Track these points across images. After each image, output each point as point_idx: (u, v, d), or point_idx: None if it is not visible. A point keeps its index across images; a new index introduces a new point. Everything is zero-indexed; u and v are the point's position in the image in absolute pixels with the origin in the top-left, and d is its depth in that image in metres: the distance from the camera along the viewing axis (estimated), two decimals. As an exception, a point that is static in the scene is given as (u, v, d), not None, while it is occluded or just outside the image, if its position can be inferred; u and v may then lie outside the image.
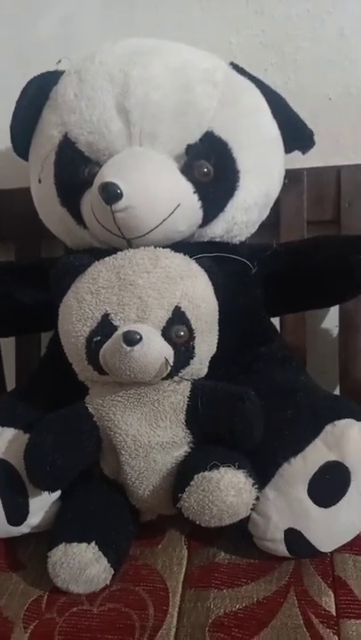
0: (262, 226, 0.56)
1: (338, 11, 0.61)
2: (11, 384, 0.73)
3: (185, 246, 0.48)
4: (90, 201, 0.48)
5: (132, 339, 0.40)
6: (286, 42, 0.61)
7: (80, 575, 0.43)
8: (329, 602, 0.42)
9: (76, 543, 0.43)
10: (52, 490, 0.45)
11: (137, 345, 0.40)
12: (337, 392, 0.65)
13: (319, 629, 0.40)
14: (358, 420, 0.42)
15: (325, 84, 0.62)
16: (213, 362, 0.46)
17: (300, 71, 0.62)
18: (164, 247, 0.47)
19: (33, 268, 0.58)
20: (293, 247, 0.55)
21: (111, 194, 0.43)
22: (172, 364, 0.42)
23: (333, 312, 0.66)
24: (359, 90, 0.62)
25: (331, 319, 0.68)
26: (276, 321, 0.62)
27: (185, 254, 0.47)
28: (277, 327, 0.62)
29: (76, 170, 0.49)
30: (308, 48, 0.62)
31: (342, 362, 0.64)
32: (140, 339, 0.40)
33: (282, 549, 0.43)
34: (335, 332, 0.66)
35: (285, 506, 0.42)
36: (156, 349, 0.41)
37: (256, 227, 0.55)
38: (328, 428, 0.41)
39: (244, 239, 0.54)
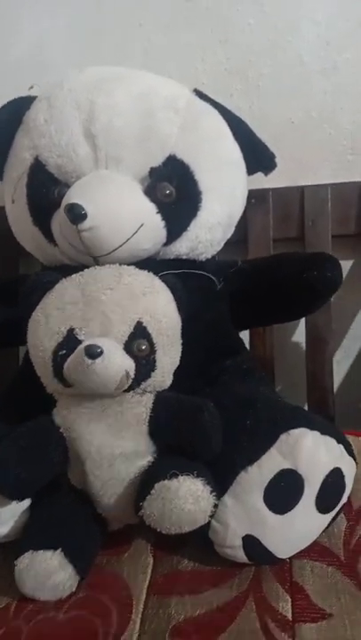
0: (230, 243, 0.59)
1: (297, 39, 0.64)
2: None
3: (151, 263, 0.50)
4: (59, 220, 0.50)
5: (93, 352, 0.42)
6: (250, 68, 0.65)
7: (46, 582, 0.44)
8: (286, 607, 0.43)
9: (42, 551, 0.44)
10: (20, 499, 0.47)
11: (98, 358, 0.41)
12: (306, 405, 0.67)
13: (275, 634, 0.41)
14: (312, 429, 0.43)
15: (288, 109, 0.65)
16: (179, 374, 0.48)
17: (263, 96, 0.65)
18: (129, 264, 0.49)
19: (4, 285, 0.60)
20: (257, 264, 0.57)
21: (76, 214, 0.46)
22: (132, 376, 0.44)
23: (302, 325, 0.68)
24: (320, 113, 0.65)
25: (300, 332, 0.70)
26: (245, 334, 0.64)
27: (150, 271, 0.49)
28: (246, 340, 0.64)
29: (46, 191, 0.51)
30: (271, 74, 0.65)
31: (310, 374, 0.66)
32: (102, 352, 0.42)
33: (241, 556, 0.44)
34: (304, 344, 0.69)
35: (243, 513, 0.43)
36: (116, 362, 0.43)
37: (221, 244, 0.57)
38: (283, 436, 0.43)
39: (210, 256, 0.56)
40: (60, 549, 0.44)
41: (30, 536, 0.47)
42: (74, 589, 0.45)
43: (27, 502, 0.49)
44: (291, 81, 0.65)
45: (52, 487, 0.47)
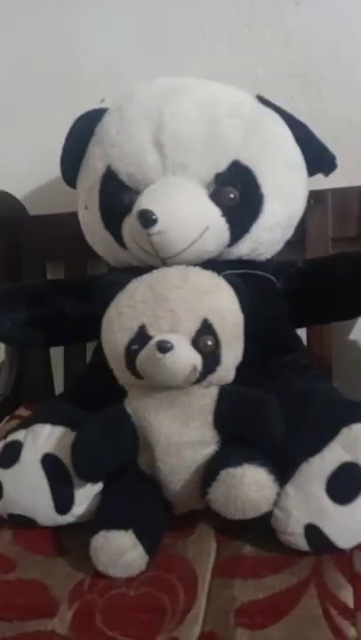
0: (289, 243, 0.60)
1: (358, 37, 0.65)
2: (59, 389, 0.79)
3: (214, 264, 0.52)
4: (130, 225, 0.53)
5: (164, 347, 0.45)
6: (310, 71, 0.66)
7: (118, 560, 0.47)
8: (347, 595, 0.44)
9: (115, 530, 0.47)
10: (94, 480, 0.51)
11: (168, 352, 0.44)
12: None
13: (337, 620, 0.42)
14: (374, 424, 0.45)
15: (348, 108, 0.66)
16: (240, 369, 0.50)
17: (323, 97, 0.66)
18: (194, 265, 0.52)
19: (79, 286, 0.64)
20: (316, 264, 0.59)
21: (148, 219, 0.49)
22: (200, 370, 0.47)
23: (360, 323, 0.69)
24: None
25: (358, 330, 0.70)
26: (303, 332, 0.66)
27: (213, 271, 0.51)
28: (304, 338, 0.65)
29: (117, 198, 0.55)
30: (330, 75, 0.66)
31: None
32: (172, 347, 0.45)
33: (303, 543, 0.46)
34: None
35: (305, 502, 0.45)
36: (185, 357, 0.45)
37: (281, 245, 0.59)
38: (345, 430, 0.44)
39: (269, 256, 0.58)
40: (131, 529, 0.47)
41: (104, 516, 0.50)
42: (143, 568, 0.48)
43: (99, 485, 0.52)
44: (349, 81, 0.65)
45: (123, 472, 0.51)
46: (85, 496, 0.52)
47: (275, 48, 0.68)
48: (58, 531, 0.54)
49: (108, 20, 0.73)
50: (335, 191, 0.66)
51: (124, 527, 0.48)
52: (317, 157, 0.57)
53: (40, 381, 0.79)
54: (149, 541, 0.48)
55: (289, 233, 0.58)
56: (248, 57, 0.68)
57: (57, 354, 0.79)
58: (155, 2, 0.72)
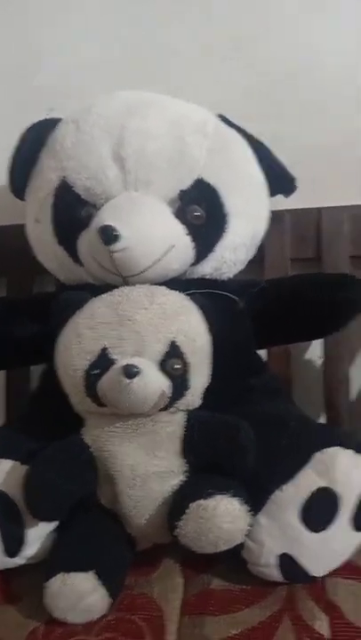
0: (249, 263, 0.60)
1: (318, 65, 0.67)
2: (0, 418, 0.73)
3: (177, 283, 0.51)
4: (87, 241, 0.51)
5: (130, 372, 0.42)
6: (272, 94, 0.67)
7: (78, 605, 0.44)
8: (323, 625, 0.43)
9: (74, 573, 0.44)
10: (51, 520, 0.47)
11: (136, 377, 0.42)
12: (323, 422, 0.68)
13: (313, 653, 0.41)
14: (346, 447, 0.44)
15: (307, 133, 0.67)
16: (207, 393, 0.49)
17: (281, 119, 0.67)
18: (157, 284, 0.50)
19: (30, 303, 0.60)
20: (281, 285, 0.58)
21: (110, 236, 0.46)
22: (169, 395, 0.44)
23: (316, 343, 0.70)
24: (339, 136, 0.67)
25: (314, 350, 0.71)
26: (262, 352, 0.65)
27: (177, 290, 0.50)
28: (264, 358, 0.65)
29: (73, 212, 0.52)
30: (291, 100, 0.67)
31: (327, 392, 0.67)
32: (139, 372, 0.42)
33: (276, 574, 0.45)
34: (319, 362, 0.69)
35: (278, 531, 0.44)
36: (154, 382, 0.43)
37: (244, 264, 0.58)
38: (318, 455, 0.44)
39: (232, 276, 0.57)
40: (92, 571, 0.44)
41: (60, 557, 0.46)
42: (105, 611, 0.45)
43: (54, 523, 0.49)
44: (307, 104, 0.67)
45: (81, 507, 0.47)
46: (38, 535, 0.48)
47: (234, 70, 0.68)
48: (6, 574, 0.50)
49: (64, 32, 0.71)
50: (293, 212, 0.67)
51: (84, 568, 0.45)
52: (278, 178, 0.58)
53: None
54: (112, 582, 0.45)
55: (252, 252, 0.58)
56: (207, 77, 0.68)
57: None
58: (111, 17, 0.70)
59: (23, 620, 0.46)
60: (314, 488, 0.43)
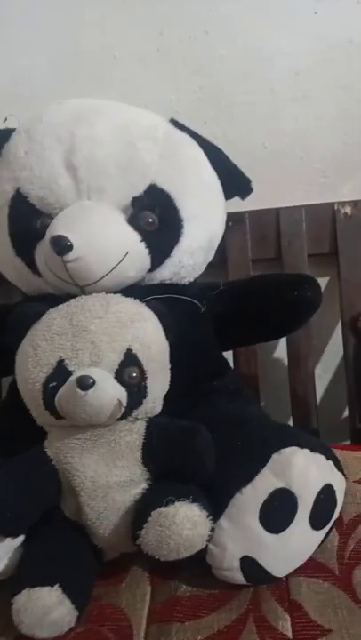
0: (211, 265, 0.60)
1: (266, 69, 0.67)
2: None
3: (136, 290, 0.51)
4: (43, 251, 0.50)
5: (85, 383, 0.42)
6: (222, 97, 0.67)
7: (44, 619, 0.43)
8: (286, 625, 0.44)
9: (38, 587, 0.43)
10: (14, 535, 0.46)
11: (90, 389, 0.42)
12: (290, 420, 0.68)
13: (277, 653, 0.42)
14: (303, 447, 0.44)
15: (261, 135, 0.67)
16: (168, 398, 0.48)
17: (235, 122, 0.67)
18: (115, 292, 0.49)
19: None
20: (238, 286, 0.59)
21: (62, 246, 0.46)
22: (125, 404, 0.44)
23: (283, 342, 0.70)
24: (291, 138, 0.68)
25: (281, 349, 0.72)
26: (229, 354, 0.66)
27: (136, 298, 0.49)
28: (230, 360, 0.65)
29: (28, 222, 0.52)
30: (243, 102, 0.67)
31: (292, 390, 0.67)
32: (94, 383, 0.42)
33: (238, 577, 0.45)
34: (286, 361, 0.70)
35: (239, 535, 0.44)
36: (109, 392, 0.43)
37: (203, 268, 0.58)
38: (275, 456, 0.44)
39: (192, 279, 0.58)
40: (57, 585, 0.44)
41: (25, 573, 0.46)
42: (73, 624, 0.44)
43: (20, 538, 0.48)
44: (261, 106, 0.67)
45: (45, 521, 0.47)
46: (4, 551, 0.47)
47: (187, 74, 0.68)
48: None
49: (17, 38, 0.70)
50: (252, 213, 0.67)
51: (49, 583, 0.44)
52: (233, 180, 0.58)
53: None
54: (78, 594, 0.45)
55: (210, 255, 0.58)
56: (161, 82, 0.68)
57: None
58: (65, 23, 0.70)
59: (-9, 637, 0.46)
60: (271, 489, 0.43)
